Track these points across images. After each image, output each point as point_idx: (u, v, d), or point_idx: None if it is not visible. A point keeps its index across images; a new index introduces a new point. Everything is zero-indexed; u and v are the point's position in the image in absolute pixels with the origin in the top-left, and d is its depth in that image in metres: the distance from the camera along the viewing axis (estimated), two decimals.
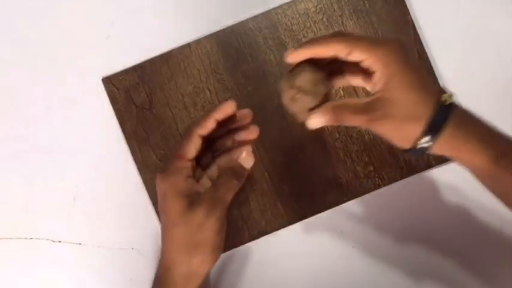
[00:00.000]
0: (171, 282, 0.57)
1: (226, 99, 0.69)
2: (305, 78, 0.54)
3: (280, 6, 0.70)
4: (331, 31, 0.70)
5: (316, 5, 0.70)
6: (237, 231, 0.70)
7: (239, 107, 0.69)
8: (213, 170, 0.62)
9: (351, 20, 0.70)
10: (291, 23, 0.70)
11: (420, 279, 0.70)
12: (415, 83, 0.52)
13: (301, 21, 0.70)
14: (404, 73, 0.52)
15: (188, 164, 0.58)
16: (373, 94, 0.53)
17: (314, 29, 0.70)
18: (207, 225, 0.55)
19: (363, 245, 0.70)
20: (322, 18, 0.70)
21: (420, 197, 0.70)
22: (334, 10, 0.70)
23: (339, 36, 0.53)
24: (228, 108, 0.58)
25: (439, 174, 0.70)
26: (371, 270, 0.70)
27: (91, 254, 0.71)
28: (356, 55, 0.52)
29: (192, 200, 0.56)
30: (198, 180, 0.60)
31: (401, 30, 0.70)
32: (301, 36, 0.70)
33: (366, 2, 0.70)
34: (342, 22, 0.70)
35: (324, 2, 0.70)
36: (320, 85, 0.54)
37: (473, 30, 0.71)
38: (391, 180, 0.69)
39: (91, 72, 0.71)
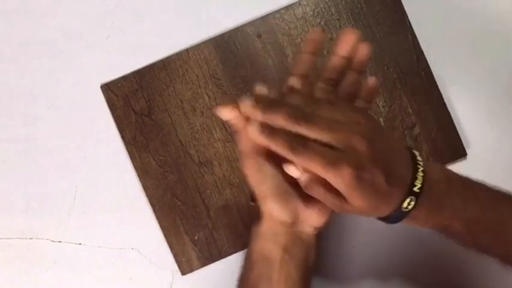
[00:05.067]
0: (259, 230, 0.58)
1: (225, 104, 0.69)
2: None
3: (278, 11, 0.70)
4: (329, 36, 0.70)
5: (314, 9, 0.70)
6: (237, 236, 0.70)
7: None
8: None
9: (349, 24, 0.70)
10: (289, 28, 0.70)
11: (421, 279, 0.70)
12: (372, 193, 0.51)
13: (299, 26, 0.70)
14: (357, 193, 0.50)
15: None
16: None
17: None
18: (248, 177, 0.56)
19: (364, 245, 0.71)
20: (320, 22, 0.70)
21: None
22: (332, 14, 0.70)
23: (293, 148, 0.50)
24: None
25: None
26: (372, 270, 0.71)
27: (91, 254, 0.71)
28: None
29: None
30: None
31: (398, 33, 0.69)
32: (299, 40, 0.70)
33: (363, 5, 0.69)
34: (340, 26, 0.70)
35: (321, 5, 0.70)
36: None
37: (472, 30, 0.71)
38: None
39: (90, 74, 0.71)
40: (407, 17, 0.69)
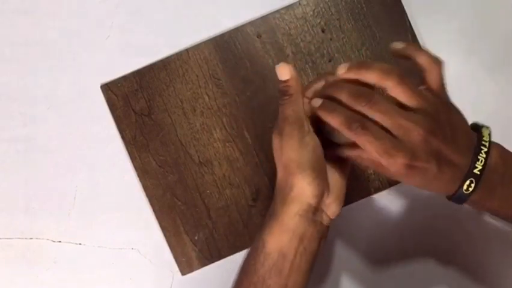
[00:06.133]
0: (273, 204, 0.58)
1: (225, 105, 0.70)
2: None
3: (278, 11, 0.70)
4: (329, 36, 0.70)
5: (314, 9, 0.70)
6: (238, 236, 0.70)
7: (238, 111, 0.70)
8: None
9: (349, 24, 0.70)
10: (289, 27, 0.70)
11: (422, 279, 0.70)
12: (421, 180, 0.53)
13: (299, 26, 0.70)
14: (403, 181, 0.54)
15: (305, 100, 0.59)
16: None
17: (312, 32, 0.70)
18: (284, 143, 0.55)
19: (364, 245, 0.71)
20: (320, 22, 0.70)
21: (421, 199, 0.70)
22: (332, 14, 0.70)
23: (351, 127, 0.52)
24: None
25: None
26: (372, 270, 0.71)
27: (91, 254, 0.71)
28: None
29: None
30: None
31: (398, 33, 0.70)
32: (299, 40, 0.70)
33: (363, 5, 0.69)
34: (339, 25, 0.70)
35: (321, 5, 0.70)
36: None
37: (472, 30, 0.71)
38: (391, 183, 0.70)
39: (90, 74, 0.71)
40: (407, 17, 0.69)
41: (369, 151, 0.51)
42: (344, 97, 0.53)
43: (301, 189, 0.55)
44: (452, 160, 0.52)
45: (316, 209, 0.56)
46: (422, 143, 0.50)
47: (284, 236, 0.56)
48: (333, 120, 0.52)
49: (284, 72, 0.56)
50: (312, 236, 0.56)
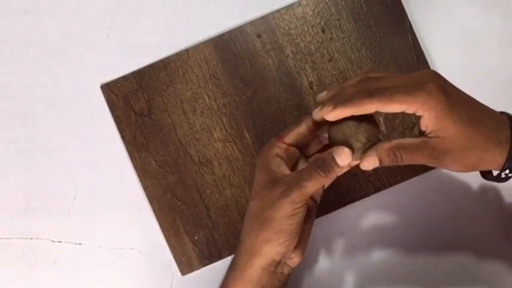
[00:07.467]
0: (238, 254, 0.59)
1: (225, 105, 0.70)
2: (368, 131, 0.54)
3: (278, 11, 0.70)
4: (329, 36, 0.70)
5: (314, 9, 0.70)
6: (237, 236, 0.70)
7: (238, 111, 0.70)
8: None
9: (349, 24, 0.69)
10: (288, 27, 0.70)
11: (422, 278, 0.70)
12: (467, 115, 0.51)
13: (299, 25, 0.70)
14: (450, 111, 0.50)
15: (282, 146, 0.58)
16: (426, 132, 0.53)
17: (312, 32, 0.70)
18: (277, 205, 0.55)
19: (364, 245, 0.71)
20: (320, 22, 0.70)
21: (421, 199, 0.70)
22: (331, 14, 0.70)
23: (371, 94, 0.51)
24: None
25: (440, 175, 0.70)
26: (372, 270, 0.71)
27: (91, 254, 0.71)
28: (394, 108, 0.51)
29: (273, 177, 0.56)
30: (294, 164, 0.60)
31: (398, 33, 0.69)
32: (299, 40, 0.70)
33: (363, 5, 0.69)
34: (339, 25, 0.70)
35: (321, 5, 0.70)
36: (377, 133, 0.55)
37: (472, 30, 0.71)
38: (391, 183, 0.70)
39: (90, 74, 0.71)
40: (407, 17, 0.69)
41: (398, 104, 0.50)
42: (353, 81, 0.54)
43: (271, 247, 0.56)
44: (488, 113, 0.53)
45: (279, 263, 0.58)
46: (441, 79, 0.52)
47: (247, 286, 0.58)
48: (354, 104, 0.51)
49: (344, 159, 0.54)
50: (272, 286, 0.59)
